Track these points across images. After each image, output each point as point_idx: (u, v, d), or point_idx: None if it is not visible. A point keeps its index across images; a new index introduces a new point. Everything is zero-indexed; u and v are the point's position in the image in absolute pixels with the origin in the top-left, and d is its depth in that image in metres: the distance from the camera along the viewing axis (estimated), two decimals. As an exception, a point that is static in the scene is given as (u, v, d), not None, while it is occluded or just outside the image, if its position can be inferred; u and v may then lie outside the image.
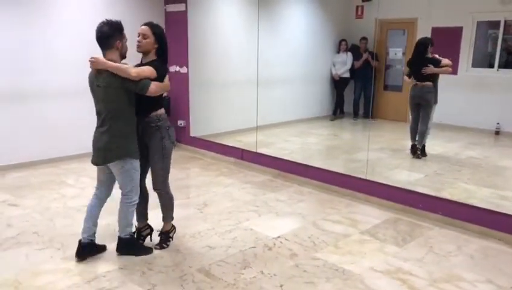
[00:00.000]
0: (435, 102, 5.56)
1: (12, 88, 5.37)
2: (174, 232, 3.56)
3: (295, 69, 7.87)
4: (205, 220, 4.02)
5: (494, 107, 6.10)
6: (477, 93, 6.34)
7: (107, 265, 3.17)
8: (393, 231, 3.84)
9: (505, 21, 6.16)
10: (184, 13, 6.36)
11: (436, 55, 5.48)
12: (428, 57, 5.44)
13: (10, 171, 5.35)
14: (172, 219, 3.53)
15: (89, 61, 3.00)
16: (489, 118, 6.13)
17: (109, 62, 2.98)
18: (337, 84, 8.20)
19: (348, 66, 8.01)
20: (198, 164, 5.96)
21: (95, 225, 3.30)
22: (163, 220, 3.50)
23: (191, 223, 3.92)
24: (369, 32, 7.45)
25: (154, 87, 3.04)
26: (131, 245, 3.35)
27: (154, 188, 3.35)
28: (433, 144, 6.02)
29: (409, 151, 5.64)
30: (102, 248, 3.38)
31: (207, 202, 4.49)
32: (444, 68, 5.41)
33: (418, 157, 5.51)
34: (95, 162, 3.20)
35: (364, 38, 7.71)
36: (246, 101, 6.26)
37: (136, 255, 3.31)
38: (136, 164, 3.18)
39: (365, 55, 7.69)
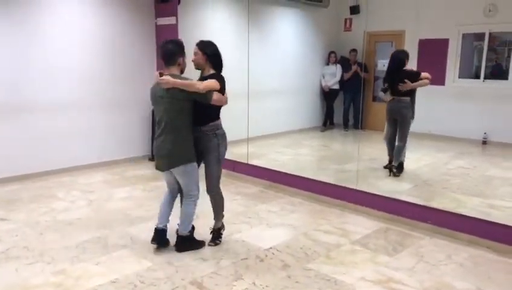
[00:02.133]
0: (412, 117, 5.35)
1: (3, 101, 5.35)
2: (224, 229, 3.84)
3: (285, 81, 7.93)
4: (197, 232, 4.00)
5: (481, 117, 6.21)
6: (464, 103, 6.45)
7: (98, 279, 3.15)
8: (384, 241, 3.87)
9: (490, 33, 6.30)
10: (174, 26, 6.40)
11: (413, 68, 5.34)
12: (406, 70, 5.24)
13: (0, 185, 5.31)
14: (223, 217, 3.82)
15: (159, 81, 3.25)
16: (477, 128, 6.23)
17: (178, 80, 3.25)
18: (327, 96, 8.28)
19: (338, 77, 8.10)
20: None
21: (167, 219, 3.63)
22: (215, 219, 3.79)
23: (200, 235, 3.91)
24: (358, 44, 7.57)
25: (216, 97, 3.37)
26: (190, 241, 3.64)
27: (209, 191, 3.63)
28: (422, 154, 6.10)
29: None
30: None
31: (199, 214, 4.45)
32: (422, 81, 5.17)
33: (394, 175, 5.29)
34: (159, 168, 3.51)
35: (354, 50, 7.81)
36: (237, 112, 6.28)
37: (195, 249, 3.60)
38: (195, 164, 3.50)
39: (354, 67, 7.78)
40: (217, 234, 3.79)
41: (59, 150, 5.89)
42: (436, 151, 6.39)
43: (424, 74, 5.23)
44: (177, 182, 3.57)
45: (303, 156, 6.95)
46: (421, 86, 5.24)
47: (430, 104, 6.08)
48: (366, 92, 7.60)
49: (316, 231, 4.07)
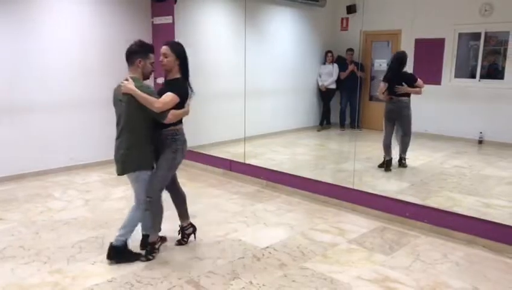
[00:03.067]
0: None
1: (0, 101, 5.35)
2: (160, 244, 3.58)
3: (282, 81, 7.94)
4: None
5: (477, 116, 6.23)
6: (460, 103, 6.47)
7: (95, 278, 3.15)
8: (380, 240, 3.88)
9: (486, 33, 6.32)
10: (171, 25, 6.40)
11: (409, 70, 5.54)
12: (405, 72, 5.44)
13: (-5, 185, 5.30)
14: (160, 230, 3.55)
15: (121, 84, 3.18)
16: (473, 128, 6.26)
17: (138, 91, 3.14)
18: (324, 95, 8.29)
19: (334, 77, 8.11)
20: (186, 175, 5.95)
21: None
22: (149, 230, 3.52)
23: (179, 235, 3.91)
24: (354, 44, 7.58)
25: (171, 117, 3.24)
26: (124, 251, 3.39)
27: (148, 195, 3.36)
28: (418, 154, 6.11)
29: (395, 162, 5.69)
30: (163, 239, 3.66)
31: (195, 213, 4.48)
32: (415, 89, 5.39)
33: (403, 166, 5.54)
34: (116, 172, 3.37)
35: (350, 50, 7.82)
36: (234, 112, 6.29)
37: (127, 261, 3.37)
38: (149, 174, 3.35)
39: (351, 67, 7.79)
40: (150, 249, 3.47)
41: (55, 149, 5.87)
42: (432, 150, 6.40)
43: (419, 82, 5.41)
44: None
45: (300, 155, 6.96)
46: (414, 93, 5.43)
47: (426, 103, 6.09)
48: (362, 92, 7.61)
49: (313, 230, 4.07)
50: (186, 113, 3.39)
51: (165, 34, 6.45)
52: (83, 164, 6.10)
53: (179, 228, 3.75)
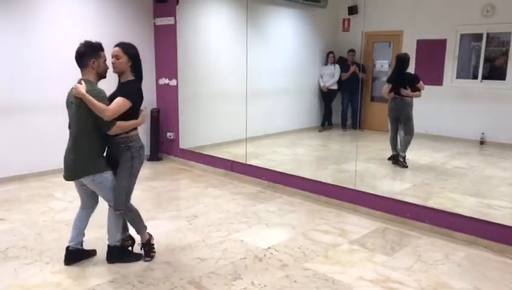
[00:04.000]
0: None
1: (0, 101, 5.35)
2: (153, 239, 3.54)
3: (284, 81, 7.95)
4: (195, 232, 4.03)
5: (479, 117, 6.23)
6: (462, 104, 6.47)
7: (97, 278, 3.15)
8: (381, 240, 3.88)
9: (488, 34, 6.32)
10: (173, 26, 6.41)
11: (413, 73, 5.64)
12: (408, 73, 5.57)
13: (-3, 185, 5.31)
14: (145, 228, 3.48)
15: (74, 87, 3.09)
16: (474, 128, 6.26)
17: (88, 96, 3.02)
18: (325, 96, 8.30)
19: (336, 78, 8.12)
20: (187, 175, 5.97)
21: (82, 234, 3.41)
22: (137, 233, 3.47)
23: (181, 235, 3.92)
24: (356, 45, 7.59)
25: (116, 130, 3.12)
26: (121, 253, 3.39)
27: (116, 209, 3.26)
28: (420, 155, 6.12)
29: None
30: (91, 253, 3.45)
31: (197, 214, 4.49)
32: (415, 93, 5.51)
33: (403, 165, 5.58)
34: (64, 177, 3.32)
35: (352, 51, 7.83)
36: (235, 112, 6.30)
37: (127, 262, 3.35)
38: (107, 175, 3.21)
39: (353, 67, 7.80)
40: (148, 248, 3.46)
41: (56, 149, 5.85)
42: (434, 151, 6.41)
43: (420, 84, 5.50)
44: (88, 195, 3.36)
45: (301, 156, 6.96)
46: (414, 96, 5.54)
47: (428, 104, 6.10)
48: (364, 92, 7.62)
49: (314, 231, 4.08)
50: (138, 124, 3.27)
51: (167, 35, 6.47)
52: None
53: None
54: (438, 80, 6.48)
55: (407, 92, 5.49)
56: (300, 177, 5.20)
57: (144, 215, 3.52)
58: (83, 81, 3.15)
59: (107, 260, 3.36)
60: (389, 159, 5.76)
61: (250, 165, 5.76)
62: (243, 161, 5.86)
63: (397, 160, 5.64)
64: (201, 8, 6.60)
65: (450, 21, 6.42)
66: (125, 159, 3.22)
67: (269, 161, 6.16)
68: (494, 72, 6.47)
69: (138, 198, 4.95)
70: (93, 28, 6.02)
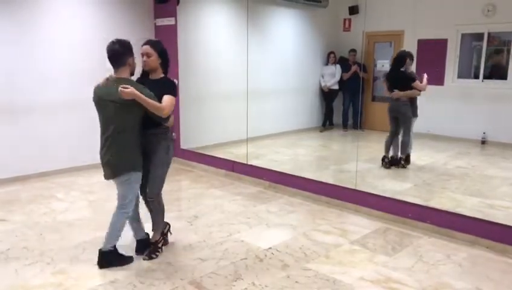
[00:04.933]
0: (415, 115, 5.59)
1: (2, 102, 5.36)
2: (163, 244, 3.60)
3: (284, 81, 7.95)
4: (196, 232, 4.03)
5: (480, 117, 6.22)
6: (463, 103, 6.46)
7: (98, 279, 3.16)
8: (383, 241, 3.87)
9: (489, 33, 6.31)
10: (174, 27, 6.42)
11: (413, 71, 5.56)
12: (404, 72, 5.47)
13: (0, 186, 5.33)
14: (162, 229, 3.58)
15: (120, 90, 3.01)
16: (476, 128, 6.24)
17: (142, 96, 3.05)
18: (326, 96, 8.29)
19: (337, 78, 8.11)
20: (189, 176, 5.97)
21: (142, 229, 3.56)
22: (153, 229, 3.55)
23: (182, 236, 3.92)
24: (357, 45, 7.58)
25: (172, 121, 3.35)
26: (113, 258, 3.35)
27: (149, 197, 3.40)
28: (421, 155, 6.11)
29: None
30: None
31: (198, 214, 4.49)
32: (411, 92, 5.41)
33: (402, 166, 5.57)
34: (105, 176, 3.32)
35: (353, 50, 7.82)
36: (236, 113, 6.30)
37: (118, 266, 3.32)
38: (139, 176, 3.30)
39: (354, 67, 7.80)
40: (153, 248, 3.49)
41: (58, 150, 5.89)
42: (435, 151, 6.40)
43: (417, 83, 5.40)
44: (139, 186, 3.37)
45: (302, 156, 6.96)
46: (409, 96, 5.46)
47: (429, 104, 6.09)
48: (365, 92, 7.61)
49: (315, 231, 4.07)
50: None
51: (167, 35, 6.47)
52: (85, 165, 6.11)
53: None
54: (439, 80, 6.47)
55: (397, 93, 5.44)
56: (302, 177, 5.19)
57: (145, 215, 3.53)
58: (108, 79, 3.19)
59: (98, 265, 3.30)
60: (383, 159, 5.71)
61: (251, 166, 5.76)
62: (244, 161, 5.85)
63: (384, 161, 5.62)
64: (201, 8, 6.60)
65: (451, 21, 6.40)
66: (161, 149, 3.34)
67: (270, 161, 6.16)
68: (496, 72, 6.45)
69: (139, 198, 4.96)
70: (94, 29, 6.03)
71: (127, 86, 3.04)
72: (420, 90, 5.43)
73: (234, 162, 5.96)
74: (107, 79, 3.19)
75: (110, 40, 3.23)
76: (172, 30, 6.43)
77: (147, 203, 3.51)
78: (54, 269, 3.31)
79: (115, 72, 3.20)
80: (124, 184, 3.26)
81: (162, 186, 3.43)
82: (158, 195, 3.45)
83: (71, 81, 5.91)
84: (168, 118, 3.26)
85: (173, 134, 6.55)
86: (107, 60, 3.20)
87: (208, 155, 6.35)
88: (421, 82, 5.43)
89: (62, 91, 5.85)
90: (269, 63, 7.55)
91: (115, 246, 3.35)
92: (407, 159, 5.63)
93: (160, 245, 3.54)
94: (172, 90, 3.29)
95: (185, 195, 5.24)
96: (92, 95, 3.29)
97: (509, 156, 6.02)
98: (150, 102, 3.08)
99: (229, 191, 5.31)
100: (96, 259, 3.42)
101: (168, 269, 3.32)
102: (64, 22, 5.76)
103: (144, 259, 3.43)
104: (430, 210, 4.13)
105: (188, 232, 4.03)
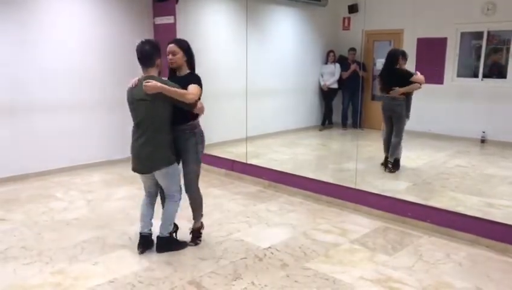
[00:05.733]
0: (407, 117, 5.39)
1: (1, 102, 5.34)
2: (203, 228, 3.84)
3: (284, 80, 7.93)
4: (181, 232, 4.01)
5: (479, 116, 6.22)
6: (463, 102, 6.45)
7: (97, 279, 3.14)
8: (382, 240, 3.87)
9: (488, 32, 6.30)
10: (173, 25, 6.40)
11: (406, 68, 5.35)
12: (398, 69, 5.30)
13: (-3, 185, 5.31)
14: (202, 216, 3.79)
15: (144, 84, 3.16)
16: (475, 127, 6.24)
17: (166, 86, 3.18)
18: (326, 95, 8.28)
19: (336, 76, 8.11)
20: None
21: (151, 223, 3.61)
22: (194, 218, 3.75)
23: (181, 235, 3.89)
24: (356, 43, 7.57)
25: (200, 106, 3.43)
26: (171, 243, 3.59)
27: (188, 191, 3.59)
28: (421, 154, 6.10)
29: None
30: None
31: (183, 215, 4.47)
32: (412, 86, 5.23)
33: (390, 171, 5.39)
34: (140, 171, 3.44)
35: (352, 49, 7.81)
36: (236, 112, 6.29)
37: (175, 250, 3.56)
38: (176, 166, 3.48)
39: (353, 66, 7.79)
40: (196, 234, 3.76)
41: (57, 149, 5.87)
42: (435, 150, 6.39)
43: (415, 77, 5.22)
44: (156, 185, 3.55)
45: (302, 155, 6.95)
46: (412, 90, 5.30)
47: (429, 103, 6.08)
48: (364, 91, 7.60)
49: (315, 230, 4.06)
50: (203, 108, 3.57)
51: (166, 34, 6.44)
52: (84, 164, 6.10)
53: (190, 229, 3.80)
54: (438, 79, 6.47)
55: (399, 90, 5.25)
56: (301, 176, 5.18)
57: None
58: (150, 78, 3.25)
59: (157, 250, 3.52)
60: (383, 163, 5.55)
61: (251, 165, 5.74)
62: (244, 161, 5.84)
63: (389, 167, 5.43)
64: (201, 7, 6.59)
65: (450, 19, 6.40)
66: (191, 145, 3.46)
67: (270, 160, 6.15)
68: (495, 71, 6.45)
69: (139, 197, 4.94)
70: (93, 28, 6.02)
71: (149, 80, 3.17)
72: (420, 83, 5.22)
73: (234, 161, 5.95)
74: (138, 80, 3.30)
75: (140, 41, 3.34)
76: (172, 29, 6.40)
77: (163, 200, 3.66)
78: (53, 268, 3.29)
79: (145, 72, 3.32)
80: (165, 177, 3.42)
81: (197, 180, 3.61)
82: (196, 188, 3.61)
83: (70, 81, 5.89)
84: (195, 104, 3.33)
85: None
86: (136, 60, 3.33)
87: (208, 154, 6.32)
88: None
89: (61, 90, 5.83)
90: (269, 62, 7.53)
91: (170, 232, 3.58)
92: (395, 163, 5.42)
93: (201, 231, 3.78)
94: (198, 81, 3.40)
95: (184, 194, 5.22)
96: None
97: (508, 155, 6.02)
98: (173, 90, 3.18)
99: (229, 191, 5.29)
100: (95, 259, 3.42)
101: (167, 268, 3.31)
102: (63, 19, 5.74)
103: (189, 245, 3.66)
104: (430, 209, 4.13)
105: (187, 231, 4.01)
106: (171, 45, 3.40)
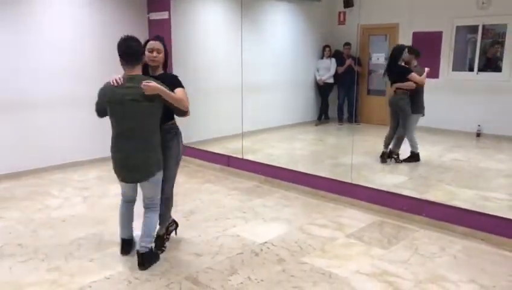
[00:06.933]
0: (415, 112, 5.47)
1: (-6, 98, 5.32)
2: (169, 234, 3.68)
3: (279, 75, 7.92)
4: (192, 227, 4.02)
5: (475, 109, 6.22)
6: (458, 96, 6.46)
7: (93, 275, 3.14)
8: (378, 234, 3.88)
9: (483, 26, 6.30)
10: (167, 21, 6.37)
11: (406, 65, 5.47)
12: (398, 65, 5.44)
13: (-7, 183, 5.28)
14: (170, 218, 3.68)
15: (144, 85, 2.95)
16: (471, 121, 6.25)
17: (165, 89, 3.02)
18: (321, 90, 8.27)
19: (332, 71, 8.09)
20: (184, 171, 5.94)
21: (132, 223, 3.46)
22: (160, 224, 3.54)
23: (178, 231, 3.90)
24: (352, 38, 7.55)
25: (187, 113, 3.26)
26: (153, 256, 3.33)
27: (164, 194, 3.40)
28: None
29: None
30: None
31: (193, 210, 4.48)
32: (406, 84, 5.36)
33: (397, 161, 5.56)
34: (136, 179, 3.18)
35: (347, 44, 7.80)
36: (231, 107, 6.28)
37: (155, 262, 3.31)
38: (162, 171, 3.27)
39: (349, 61, 7.77)
40: (160, 242, 3.51)
41: (52, 147, 5.85)
42: (430, 144, 6.39)
43: (412, 75, 5.35)
44: (136, 191, 3.35)
45: (298, 150, 6.95)
46: (405, 87, 5.42)
47: (425, 97, 6.07)
48: (360, 86, 7.60)
49: (311, 225, 4.07)
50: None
51: (161, 29, 6.42)
52: (80, 161, 6.09)
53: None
54: (434, 73, 6.46)
55: (395, 85, 5.46)
56: (297, 171, 5.19)
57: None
58: (123, 78, 3.09)
59: (140, 266, 3.21)
60: (381, 156, 5.67)
61: (247, 160, 5.74)
62: (240, 156, 5.84)
63: (383, 157, 5.59)
64: (195, 2, 6.55)
65: (445, 13, 6.39)
66: (172, 145, 3.33)
67: (266, 155, 6.14)
68: (490, 64, 6.45)
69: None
70: (86, 23, 5.98)
71: (149, 80, 3.00)
72: (417, 83, 5.33)
73: (230, 156, 5.94)
74: (120, 78, 3.06)
75: (121, 37, 3.08)
76: (166, 24, 6.37)
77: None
78: (49, 265, 3.29)
79: (130, 70, 3.06)
80: (153, 185, 3.21)
81: (174, 183, 3.53)
82: (172, 191, 3.53)
83: (64, 77, 5.86)
84: (188, 111, 3.26)
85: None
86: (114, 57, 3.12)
87: (203, 150, 6.33)
88: (421, 75, 5.38)
89: (56, 88, 5.80)
90: (264, 57, 7.51)
91: (168, 232, 3.52)
92: (413, 157, 5.53)
93: (166, 237, 3.61)
94: (180, 83, 3.29)
95: (181, 190, 5.22)
96: (94, 94, 3.20)
97: (503, 148, 6.04)
98: (171, 95, 3.04)
99: (225, 186, 5.29)
100: (91, 255, 3.42)
101: (164, 264, 3.31)
102: (56, 16, 5.70)
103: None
104: (426, 203, 4.14)
105: (183, 227, 4.01)
106: (156, 42, 3.25)
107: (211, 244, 3.65)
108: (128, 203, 3.41)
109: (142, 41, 3.23)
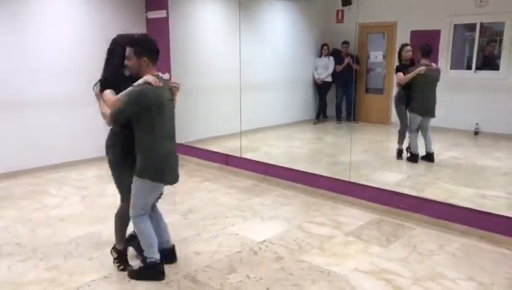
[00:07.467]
0: (413, 111, 5.51)
1: (-8, 98, 5.31)
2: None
3: (278, 74, 7.91)
4: (190, 226, 4.02)
5: (473, 107, 6.23)
6: (456, 94, 6.46)
7: (92, 274, 3.14)
8: (377, 232, 3.88)
9: (481, 24, 6.30)
10: (165, 19, 6.36)
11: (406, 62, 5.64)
12: (397, 65, 5.63)
13: (-9, 182, 5.28)
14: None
15: (176, 86, 3.06)
16: (468, 119, 6.25)
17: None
18: (320, 88, 8.27)
19: (330, 70, 8.09)
20: (182, 170, 5.91)
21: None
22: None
23: (176, 230, 3.89)
24: (350, 36, 7.54)
25: None
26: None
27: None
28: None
29: (393, 154, 5.69)
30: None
31: (192, 208, 4.48)
32: (396, 81, 5.58)
33: (410, 159, 5.57)
34: (177, 179, 3.18)
35: (346, 42, 7.79)
36: (230, 106, 6.27)
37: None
38: None
39: (347, 59, 7.77)
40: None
41: (51, 146, 5.84)
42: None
43: (396, 74, 5.51)
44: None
45: (296, 148, 6.95)
46: (398, 84, 5.60)
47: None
48: (358, 84, 7.59)
49: (310, 223, 4.08)
50: None
51: (159, 28, 6.42)
52: (78, 160, 6.08)
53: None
54: (432, 71, 6.45)
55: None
56: (296, 170, 5.19)
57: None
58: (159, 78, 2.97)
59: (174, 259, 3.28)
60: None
61: (245, 159, 5.74)
62: (238, 155, 5.84)
63: (400, 155, 5.63)
64: (193, 0, 6.54)
65: (443, 11, 6.39)
66: None
67: (264, 154, 6.14)
68: (488, 63, 6.46)
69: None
70: (84, 22, 5.97)
71: (174, 81, 3.11)
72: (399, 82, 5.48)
73: (228, 155, 5.94)
74: (158, 79, 2.88)
75: (141, 34, 3.10)
76: (164, 23, 6.37)
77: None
78: (47, 264, 3.29)
79: (154, 69, 2.93)
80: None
81: None
82: None
83: (62, 76, 5.84)
84: None
85: None
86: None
87: (202, 149, 6.32)
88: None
89: (54, 87, 5.79)
90: (262, 56, 7.51)
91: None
92: (428, 157, 5.53)
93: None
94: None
95: (179, 189, 5.21)
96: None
97: (501, 147, 6.05)
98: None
99: (223, 185, 5.29)
100: (89, 254, 3.42)
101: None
102: (54, 15, 5.69)
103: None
104: (424, 201, 4.15)
105: (182, 226, 4.02)
106: (132, 47, 3.08)
107: (209, 243, 3.65)
108: (147, 213, 3.14)
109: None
